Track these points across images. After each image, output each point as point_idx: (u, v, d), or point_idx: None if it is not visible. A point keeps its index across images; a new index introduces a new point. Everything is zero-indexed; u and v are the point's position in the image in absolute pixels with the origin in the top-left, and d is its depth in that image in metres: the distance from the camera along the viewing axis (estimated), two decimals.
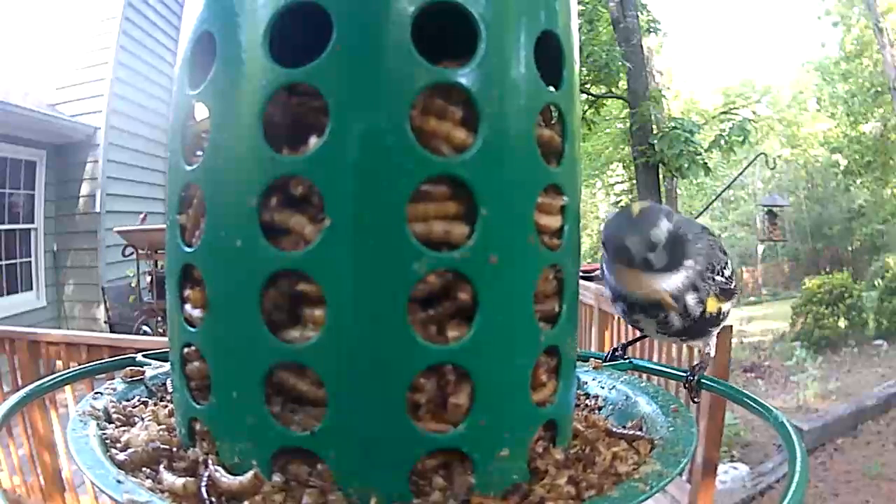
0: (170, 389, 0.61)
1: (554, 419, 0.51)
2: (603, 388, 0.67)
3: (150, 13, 7.58)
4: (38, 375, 2.98)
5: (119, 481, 0.44)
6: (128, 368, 0.65)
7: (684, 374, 0.73)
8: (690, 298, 0.70)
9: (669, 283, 0.68)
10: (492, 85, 0.45)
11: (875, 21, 11.77)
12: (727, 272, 0.73)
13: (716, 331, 0.75)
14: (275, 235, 0.45)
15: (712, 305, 0.71)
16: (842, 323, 8.74)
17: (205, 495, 0.44)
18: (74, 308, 6.96)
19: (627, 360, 0.75)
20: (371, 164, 0.43)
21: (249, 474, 0.45)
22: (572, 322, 0.53)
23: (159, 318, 6.01)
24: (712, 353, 0.78)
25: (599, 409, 0.64)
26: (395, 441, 0.45)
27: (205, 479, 0.45)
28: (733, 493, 4.58)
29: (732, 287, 0.74)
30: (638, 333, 0.79)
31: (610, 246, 0.66)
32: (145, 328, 6.06)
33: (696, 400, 0.74)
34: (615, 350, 0.78)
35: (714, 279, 0.71)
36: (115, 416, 0.56)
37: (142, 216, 6.22)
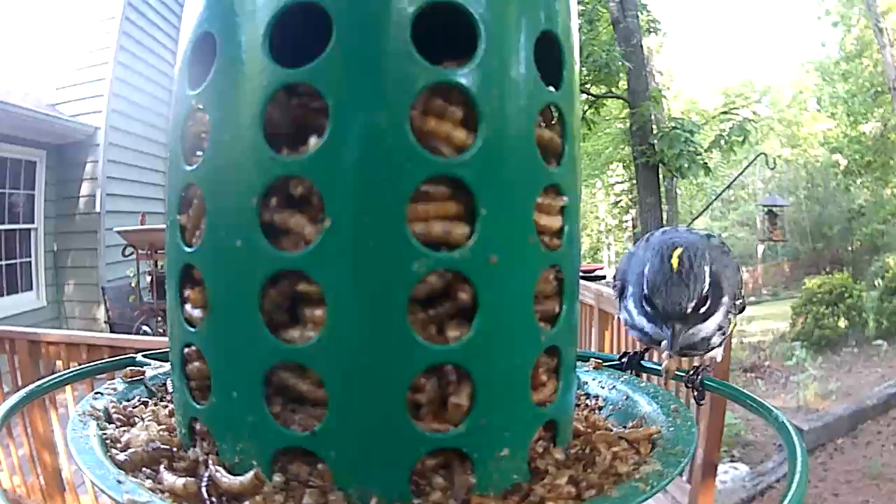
0: (170, 389, 0.61)
1: (554, 419, 0.51)
2: (603, 388, 0.67)
3: (150, 13, 7.58)
4: (38, 375, 2.98)
5: (119, 481, 0.44)
6: (128, 368, 0.65)
7: (683, 375, 0.73)
8: (717, 338, 0.71)
9: (709, 326, 0.69)
10: (492, 85, 0.45)
11: (875, 21, 11.77)
12: (741, 290, 0.73)
13: (719, 343, 0.75)
14: (275, 235, 0.45)
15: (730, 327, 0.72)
16: (842, 323, 8.74)
17: (205, 495, 0.44)
18: (74, 308, 6.96)
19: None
20: (371, 165, 0.43)
21: (250, 474, 0.45)
22: (572, 322, 0.53)
23: (159, 318, 6.01)
24: (719, 359, 0.78)
25: (600, 408, 0.64)
26: (395, 441, 0.45)
27: (205, 479, 0.45)
28: (733, 493, 4.59)
29: (744, 302, 0.74)
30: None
31: (665, 309, 0.65)
32: (145, 328, 6.07)
33: (700, 402, 0.73)
34: (633, 356, 0.76)
35: (735, 304, 0.71)
36: (115, 416, 0.56)
37: (141, 216, 6.22)
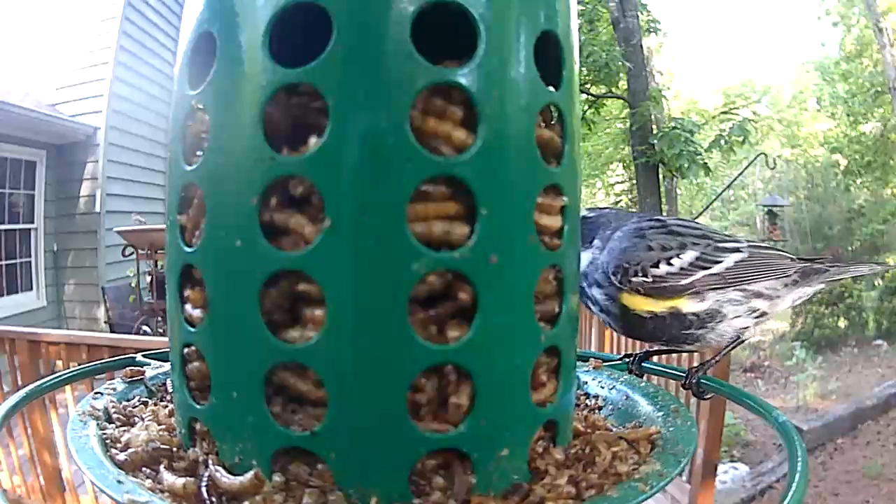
0: (170, 389, 0.61)
1: (554, 419, 0.51)
2: (603, 388, 0.67)
3: (150, 13, 7.58)
4: (38, 375, 2.98)
5: (119, 481, 0.44)
6: (128, 368, 0.65)
7: (683, 375, 0.73)
8: (596, 292, 0.73)
9: None
10: (492, 85, 0.45)
11: (875, 21, 11.76)
12: (659, 271, 0.71)
13: (704, 332, 0.74)
14: (275, 235, 0.45)
15: (641, 303, 0.71)
16: (842, 323, 8.74)
17: (205, 495, 0.44)
18: (74, 308, 6.96)
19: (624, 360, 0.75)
20: (371, 165, 0.43)
21: (250, 474, 0.45)
22: (572, 322, 0.53)
23: (159, 318, 6.01)
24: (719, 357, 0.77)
25: (599, 409, 0.64)
26: (395, 441, 0.45)
27: (205, 479, 0.45)
28: (733, 493, 4.59)
29: (675, 284, 0.72)
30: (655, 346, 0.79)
31: None
32: (145, 328, 6.06)
33: (705, 397, 0.73)
34: (637, 356, 0.76)
35: (630, 280, 0.71)
36: (115, 416, 0.56)
37: (136, 218, 6.21)
